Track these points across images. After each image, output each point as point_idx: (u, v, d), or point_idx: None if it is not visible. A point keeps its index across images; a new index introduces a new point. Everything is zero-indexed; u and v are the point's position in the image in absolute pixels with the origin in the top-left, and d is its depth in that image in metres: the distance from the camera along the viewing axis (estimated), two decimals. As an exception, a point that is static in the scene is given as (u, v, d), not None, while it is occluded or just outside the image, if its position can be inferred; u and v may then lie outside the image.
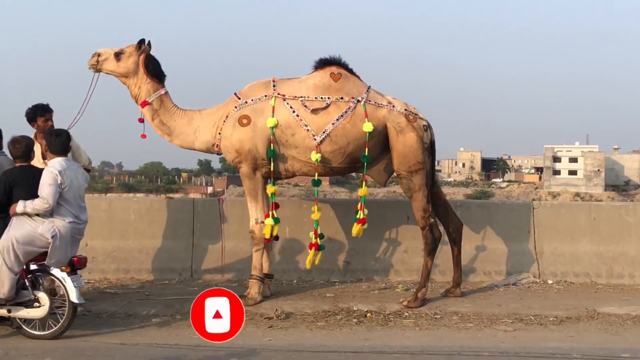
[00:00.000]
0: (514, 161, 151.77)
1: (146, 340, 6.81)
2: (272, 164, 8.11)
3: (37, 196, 6.83)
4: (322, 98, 8.11)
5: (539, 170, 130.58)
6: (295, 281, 9.33)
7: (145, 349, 6.55)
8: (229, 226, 9.58)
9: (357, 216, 8.26)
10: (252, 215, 8.23)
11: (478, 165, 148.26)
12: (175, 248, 9.47)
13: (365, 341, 6.85)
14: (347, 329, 7.30)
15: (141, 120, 8.29)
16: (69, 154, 7.64)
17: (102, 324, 7.44)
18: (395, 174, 8.34)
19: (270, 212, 8.16)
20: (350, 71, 8.38)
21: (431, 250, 8.32)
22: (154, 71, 8.28)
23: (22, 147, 7.13)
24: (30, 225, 6.81)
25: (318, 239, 8.21)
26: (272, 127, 8.02)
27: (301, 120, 8.04)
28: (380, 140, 8.26)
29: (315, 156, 8.03)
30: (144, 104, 8.25)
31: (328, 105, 8.09)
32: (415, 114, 8.37)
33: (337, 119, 8.05)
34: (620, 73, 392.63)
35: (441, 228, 8.61)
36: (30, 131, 7.93)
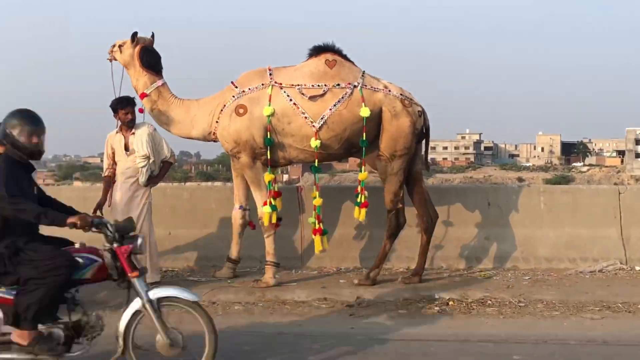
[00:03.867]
0: (595, 144, 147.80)
1: (230, 328, 6.89)
2: (268, 152, 8.21)
3: None
4: (318, 85, 8.19)
5: (621, 153, 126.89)
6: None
7: (230, 337, 6.63)
8: (308, 215, 9.61)
9: (358, 200, 8.35)
10: (258, 204, 8.38)
11: (557, 149, 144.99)
12: (256, 236, 9.53)
13: (448, 329, 6.79)
14: (429, 317, 7.26)
15: (141, 111, 8.45)
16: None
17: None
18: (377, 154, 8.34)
19: (268, 200, 8.27)
20: (345, 57, 8.45)
21: (392, 234, 8.47)
22: (149, 63, 8.39)
23: None
24: None
25: (321, 224, 8.41)
26: (269, 116, 8.12)
27: (298, 108, 8.12)
28: (376, 124, 8.31)
29: (314, 143, 8.12)
30: (143, 95, 8.40)
31: (325, 92, 8.16)
32: (411, 99, 8.40)
33: (335, 105, 8.12)
34: None
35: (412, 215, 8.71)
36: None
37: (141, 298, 5.08)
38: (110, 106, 8.27)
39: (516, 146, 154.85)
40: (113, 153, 8.34)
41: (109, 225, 5.11)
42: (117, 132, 8.34)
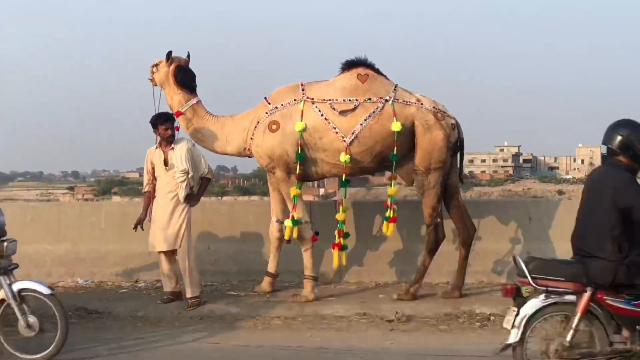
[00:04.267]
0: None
1: (269, 343, 6.90)
2: (298, 167, 8.22)
3: None
4: (350, 100, 8.20)
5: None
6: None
7: (269, 352, 6.64)
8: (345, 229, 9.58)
9: (387, 214, 8.30)
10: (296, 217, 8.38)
11: (598, 162, 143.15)
12: (294, 250, 9.52)
13: (490, 345, 6.66)
14: (470, 332, 7.18)
15: (177, 129, 8.51)
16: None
17: (227, 327, 7.58)
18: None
19: (291, 214, 8.28)
20: (377, 71, 8.47)
21: (431, 249, 8.40)
22: (183, 82, 8.51)
23: None
24: None
25: (342, 239, 8.32)
26: (300, 131, 8.15)
27: (329, 123, 8.14)
28: (409, 138, 8.30)
29: (344, 157, 8.11)
30: (178, 114, 8.51)
31: (356, 107, 8.16)
32: (444, 112, 8.38)
33: (365, 120, 8.12)
34: None
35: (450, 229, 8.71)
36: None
37: None
38: (150, 122, 8.36)
39: (555, 158, 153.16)
40: (153, 168, 8.40)
41: None
42: (156, 148, 8.41)
